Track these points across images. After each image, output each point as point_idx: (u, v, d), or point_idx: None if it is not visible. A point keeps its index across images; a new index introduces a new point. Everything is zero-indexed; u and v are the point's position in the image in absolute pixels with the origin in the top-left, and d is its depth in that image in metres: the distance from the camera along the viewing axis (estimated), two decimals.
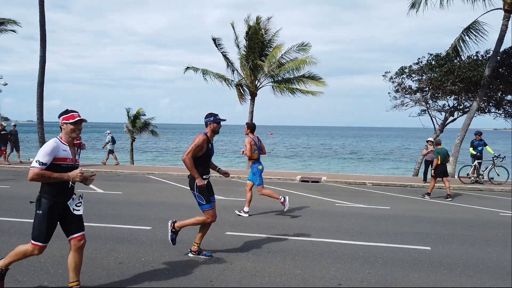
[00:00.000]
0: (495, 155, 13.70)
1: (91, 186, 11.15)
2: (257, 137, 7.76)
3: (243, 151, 7.69)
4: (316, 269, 4.67)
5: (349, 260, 5.04)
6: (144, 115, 21.58)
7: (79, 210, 3.73)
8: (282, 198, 7.56)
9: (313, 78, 20.80)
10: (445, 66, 15.96)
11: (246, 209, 7.73)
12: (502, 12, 15.20)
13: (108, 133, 16.95)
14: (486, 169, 13.81)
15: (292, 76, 20.71)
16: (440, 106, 18.23)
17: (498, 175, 13.84)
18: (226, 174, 5.38)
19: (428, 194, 10.80)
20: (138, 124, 21.19)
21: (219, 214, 7.86)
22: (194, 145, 4.78)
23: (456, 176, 14.64)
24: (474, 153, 13.88)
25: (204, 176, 4.90)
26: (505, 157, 13.99)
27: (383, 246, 5.74)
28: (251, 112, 21.00)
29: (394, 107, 18.40)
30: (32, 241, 3.61)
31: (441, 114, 18.25)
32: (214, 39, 19.50)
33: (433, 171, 10.74)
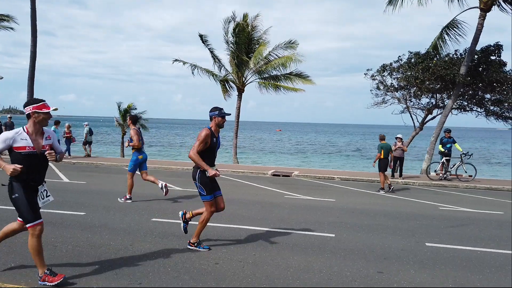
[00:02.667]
0: (463, 153, 13.83)
1: (59, 175, 11.91)
2: (138, 128, 8.32)
3: (129, 143, 8.21)
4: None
5: (233, 242, 5.48)
6: (135, 109, 22.24)
7: (40, 201, 3.85)
8: (129, 196, 8.17)
9: (300, 76, 21.08)
10: (421, 64, 16.08)
11: (128, 196, 8.23)
12: (478, 11, 15.27)
13: (86, 125, 17.67)
14: (454, 166, 13.96)
15: (279, 73, 21.07)
16: (423, 104, 18.32)
17: (466, 172, 13.97)
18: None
19: (383, 188, 11.10)
20: None
21: (175, 206, 8.37)
22: (198, 141, 4.90)
23: (426, 173, 14.83)
24: (443, 150, 14.04)
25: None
26: (472, 154, 14.10)
27: (283, 232, 6.14)
28: (238, 108, 21.43)
29: (375, 104, 18.60)
30: (27, 225, 3.71)
31: (422, 111, 18.37)
32: (200, 36, 19.94)
33: (373, 164, 11.19)
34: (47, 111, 3.75)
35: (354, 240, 5.88)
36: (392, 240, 5.98)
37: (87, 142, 17.47)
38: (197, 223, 5.21)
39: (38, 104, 3.75)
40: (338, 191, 11.20)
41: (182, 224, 5.37)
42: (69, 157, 16.83)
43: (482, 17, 15.05)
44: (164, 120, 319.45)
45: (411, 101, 18.24)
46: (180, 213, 5.46)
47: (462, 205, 9.40)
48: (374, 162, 11.23)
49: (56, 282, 3.72)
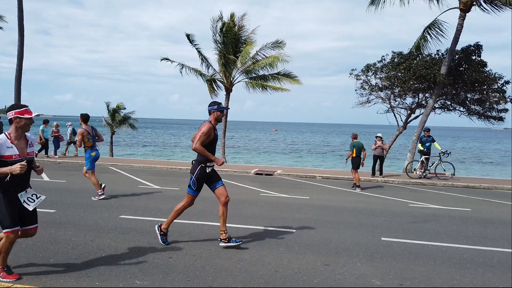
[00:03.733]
0: (441, 151, 14.04)
1: (42, 175, 12.02)
2: (91, 127, 8.45)
3: (76, 141, 8.47)
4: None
5: (194, 238, 5.64)
6: (124, 108, 22.40)
7: (29, 205, 3.84)
8: (101, 192, 8.32)
9: (288, 76, 21.26)
10: (403, 64, 16.30)
11: (100, 192, 8.39)
12: (458, 11, 15.49)
13: (69, 125, 17.80)
14: (432, 164, 14.18)
15: (267, 73, 21.24)
16: (407, 104, 18.53)
17: (444, 170, 14.19)
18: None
19: (358, 186, 11.29)
20: (117, 117, 21.99)
21: (148, 204, 8.43)
22: (202, 133, 4.97)
23: (406, 171, 15.03)
24: (422, 148, 14.26)
25: (208, 164, 5.12)
26: (450, 153, 14.31)
27: (246, 228, 6.31)
28: (226, 107, 21.58)
29: (360, 104, 18.80)
30: (4, 231, 3.73)
31: (406, 111, 18.57)
32: (187, 35, 20.08)
33: (345, 161, 11.45)
34: (30, 116, 3.81)
35: (312, 235, 6.06)
36: (350, 234, 6.16)
37: (71, 142, 17.58)
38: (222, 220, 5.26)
39: (20, 110, 3.77)
40: (315, 189, 11.38)
41: (160, 238, 5.26)
42: (55, 156, 16.96)
43: (462, 18, 15.28)
44: (162, 120, 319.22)
45: (396, 101, 18.49)
46: (156, 226, 5.40)
47: (433, 202, 9.60)
48: (346, 160, 11.49)
49: (7, 280, 3.86)
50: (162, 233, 5.29)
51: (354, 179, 11.40)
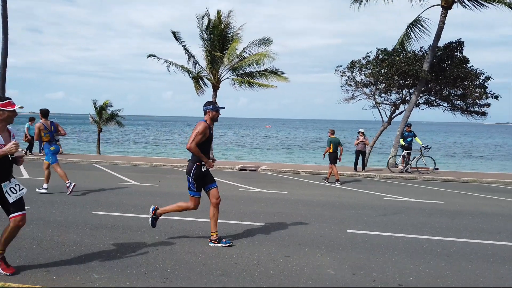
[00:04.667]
0: (422, 146, 14.23)
1: (21, 171, 12.03)
2: (50, 121, 8.54)
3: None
4: (131, 237, 5.39)
5: (162, 233, 5.73)
6: (111, 106, 22.34)
7: (10, 196, 3.88)
8: (68, 183, 8.39)
9: (275, 72, 21.32)
10: (386, 61, 16.43)
11: (45, 185, 8.55)
12: (440, 8, 15.63)
13: None
14: (414, 159, 14.37)
15: (255, 70, 21.29)
16: (392, 100, 18.68)
17: (425, 164, 14.39)
18: (213, 160, 5.44)
19: (338, 180, 11.45)
20: (104, 115, 21.95)
21: (123, 200, 8.49)
22: (197, 132, 4.92)
23: (388, 166, 15.21)
24: (403, 143, 14.44)
25: (203, 162, 5.08)
26: (431, 147, 14.51)
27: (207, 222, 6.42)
28: (222, 106, 21.60)
29: (345, 100, 18.92)
30: None
31: (391, 107, 18.74)
32: (173, 32, 20.06)
33: (323, 156, 11.71)
34: (13, 109, 3.87)
35: (280, 228, 6.16)
36: (317, 227, 6.28)
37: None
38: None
39: (3, 102, 3.83)
40: (295, 184, 11.51)
41: (150, 219, 5.35)
42: (40, 154, 16.92)
43: (444, 14, 15.44)
44: (155, 118, 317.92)
45: (381, 97, 18.64)
46: (152, 207, 5.43)
47: (408, 195, 9.77)
48: (324, 155, 11.68)
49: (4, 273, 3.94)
50: (154, 216, 5.34)
51: (333, 173, 11.57)
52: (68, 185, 8.41)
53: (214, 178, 5.42)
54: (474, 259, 4.92)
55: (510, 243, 5.70)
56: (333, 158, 11.25)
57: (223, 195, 9.29)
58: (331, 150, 11.18)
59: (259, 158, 34.01)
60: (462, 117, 17.79)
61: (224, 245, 5.13)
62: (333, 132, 11.65)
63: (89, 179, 11.03)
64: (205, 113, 5.20)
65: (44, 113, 8.49)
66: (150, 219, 5.36)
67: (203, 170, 5.07)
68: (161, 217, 6.75)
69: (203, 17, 19.77)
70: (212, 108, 5.14)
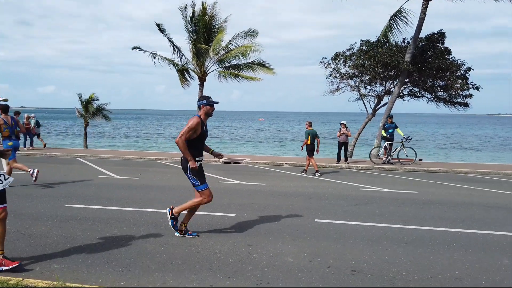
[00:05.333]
0: (404, 137, 14.39)
1: (3, 166, 11.97)
2: (11, 117, 8.55)
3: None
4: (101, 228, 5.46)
5: (134, 224, 5.82)
6: (98, 99, 22.22)
7: None
8: (31, 170, 8.50)
9: (262, 65, 21.32)
10: (369, 52, 16.52)
11: (30, 171, 8.60)
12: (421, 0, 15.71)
13: (33, 117, 17.63)
14: (395, 150, 14.55)
15: (241, 63, 21.27)
16: (377, 91, 18.80)
17: (407, 155, 14.58)
18: (219, 156, 5.46)
19: (317, 171, 11.62)
20: (90, 109, 21.83)
21: (99, 193, 8.53)
22: (187, 127, 4.84)
23: (370, 157, 15.40)
24: (385, 135, 14.60)
25: (197, 159, 5.02)
26: (411, 138, 14.70)
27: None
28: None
29: (330, 92, 19.01)
30: None
31: (376, 98, 18.87)
32: (158, 25, 19.97)
33: (301, 148, 11.89)
34: None
35: (250, 219, 6.27)
36: (287, 217, 6.39)
37: (35, 134, 17.46)
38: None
39: None
40: (277, 176, 11.62)
41: (170, 221, 5.24)
42: (31, 148, 16.89)
43: (425, 6, 15.54)
44: (149, 111, 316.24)
45: (366, 88, 18.75)
46: (167, 209, 5.36)
47: (385, 186, 9.92)
48: (302, 147, 11.80)
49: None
50: (172, 217, 5.22)
51: (311, 165, 11.80)
52: (31, 172, 8.48)
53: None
54: (431, 246, 5.06)
55: (469, 230, 5.86)
56: (310, 150, 11.40)
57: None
58: (308, 142, 11.33)
59: (251, 151, 34.08)
60: (445, 108, 18.02)
61: (189, 236, 5.19)
62: (310, 124, 11.78)
63: (69, 173, 11.04)
64: (199, 108, 5.13)
65: (4, 108, 8.46)
66: (170, 221, 5.23)
67: (197, 165, 5.01)
68: (133, 209, 6.84)
69: (185, 7, 19.67)
70: (207, 103, 5.06)
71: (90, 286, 3.61)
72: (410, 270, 4.21)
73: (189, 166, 4.96)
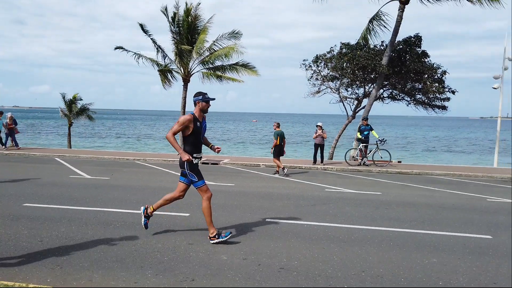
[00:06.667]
0: (379, 139, 14.58)
1: None
2: None
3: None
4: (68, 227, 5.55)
5: (96, 224, 5.91)
6: (81, 99, 22.24)
7: None
8: None
9: (246, 66, 21.45)
10: (348, 55, 16.72)
11: None
12: (398, 3, 15.93)
13: (10, 117, 17.57)
14: (370, 152, 14.73)
15: (225, 64, 21.39)
16: (358, 94, 18.99)
17: (381, 157, 14.77)
18: (217, 149, 5.47)
19: (283, 168, 11.85)
20: (74, 109, 21.85)
21: (64, 193, 8.54)
22: (177, 124, 4.94)
23: (345, 159, 15.56)
24: (360, 137, 14.78)
25: (194, 155, 5.06)
26: (386, 140, 14.89)
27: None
28: (184, 98, 21.71)
29: (311, 94, 19.19)
30: None
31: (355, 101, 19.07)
32: (141, 25, 20.05)
33: (271, 149, 12.04)
34: None
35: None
36: (239, 217, 6.51)
37: (17, 133, 17.42)
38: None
39: None
40: (249, 176, 11.74)
41: (143, 219, 5.37)
42: (17, 148, 16.87)
43: (401, 9, 15.76)
44: (144, 112, 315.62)
45: (348, 91, 18.96)
46: (142, 208, 5.49)
47: (351, 187, 10.07)
48: (272, 148, 11.92)
49: None
50: (221, 236, 5.08)
51: (278, 166, 11.97)
52: None
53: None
54: (368, 245, 5.20)
55: (411, 230, 6.00)
56: (279, 151, 11.54)
57: (165, 187, 9.58)
58: (277, 143, 11.47)
59: (240, 153, 34.24)
60: (423, 111, 18.25)
61: (224, 238, 5.05)
62: (278, 125, 11.94)
63: (41, 173, 11.09)
64: (195, 104, 5.15)
65: None
66: (143, 220, 5.35)
67: (195, 162, 5.07)
68: (90, 208, 6.92)
69: (165, 9, 19.81)
70: (202, 99, 5.07)
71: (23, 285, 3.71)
72: (337, 268, 4.35)
73: (186, 162, 5.01)
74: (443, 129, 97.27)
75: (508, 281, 4.18)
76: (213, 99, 5.14)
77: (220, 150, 5.51)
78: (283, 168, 11.85)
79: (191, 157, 4.97)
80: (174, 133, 4.96)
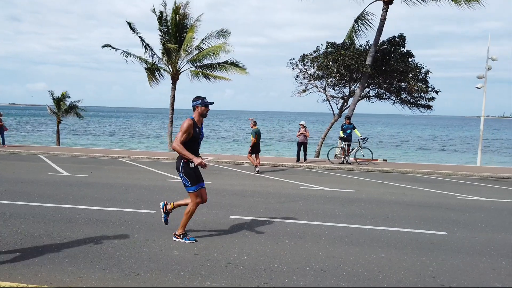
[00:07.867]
0: (361, 138, 14.69)
1: None
2: None
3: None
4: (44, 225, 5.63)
5: (66, 221, 5.99)
6: (69, 97, 22.28)
7: None
8: None
9: (235, 65, 21.55)
10: (332, 54, 16.80)
11: None
12: (382, 4, 16.02)
13: None
14: (352, 150, 14.84)
15: (214, 62, 21.46)
16: (344, 93, 19.09)
17: (363, 155, 14.88)
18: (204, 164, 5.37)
19: (255, 169, 12.00)
20: (63, 106, 21.88)
21: (42, 191, 8.52)
22: (181, 132, 4.88)
23: (327, 157, 15.68)
24: (343, 135, 14.89)
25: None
26: (368, 139, 15.00)
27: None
28: (173, 96, 21.79)
29: (298, 93, 19.27)
30: None
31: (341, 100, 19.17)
32: (128, 23, 20.09)
33: (250, 148, 12.10)
34: None
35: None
36: (204, 214, 6.59)
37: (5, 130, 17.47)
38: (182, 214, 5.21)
39: None
40: (229, 174, 11.83)
41: (163, 215, 5.44)
42: (3, 146, 16.90)
43: (385, 10, 15.86)
44: (140, 109, 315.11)
45: (335, 90, 19.05)
46: (161, 204, 5.53)
47: (327, 185, 10.17)
48: (250, 147, 11.99)
49: None
50: (185, 238, 5.15)
51: (253, 161, 12.12)
52: None
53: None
54: (322, 241, 5.30)
55: (369, 227, 6.10)
56: (257, 148, 11.64)
57: (142, 185, 9.67)
58: (255, 141, 11.59)
59: (234, 151, 34.29)
60: (409, 110, 18.37)
61: (187, 241, 5.11)
62: (255, 123, 12.04)
63: (20, 170, 11.15)
64: (194, 109, 5.09)
65: None
66: (163, 216, 5.45)
67: (191, 166, 5.04)
68: (57, 205, 6.94)
69: (153, 9, 19.90)
70: (201, 103, 5.04)
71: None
72: (284, 263, 4.44)
73: (181, 166, 5.01)
74: (439, 128, 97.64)
75: (446, 276, 4.28)
76: (212, 103, 5.10)
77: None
78: (256, 166, 11.98)
79: (203, 160, 4.89)
80: (182, 142, 4.90)
